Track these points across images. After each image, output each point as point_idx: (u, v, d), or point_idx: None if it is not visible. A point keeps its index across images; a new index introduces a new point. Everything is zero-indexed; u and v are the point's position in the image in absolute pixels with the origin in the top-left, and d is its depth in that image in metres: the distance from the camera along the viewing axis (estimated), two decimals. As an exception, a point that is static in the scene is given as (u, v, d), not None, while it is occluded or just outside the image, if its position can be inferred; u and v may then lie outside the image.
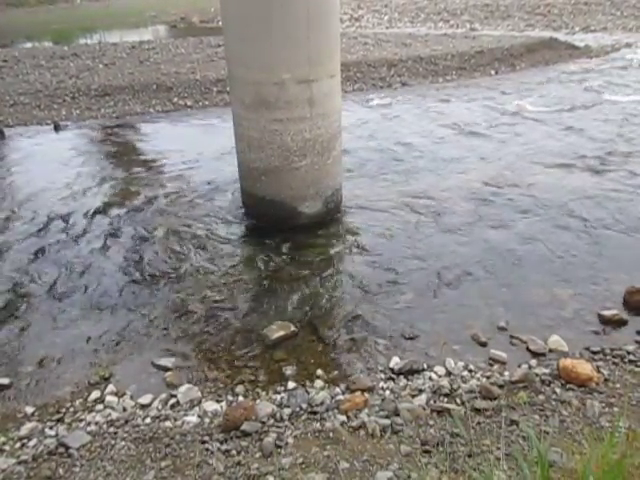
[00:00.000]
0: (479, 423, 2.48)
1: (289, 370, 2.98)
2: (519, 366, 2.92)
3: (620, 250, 4.10)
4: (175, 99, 8.55)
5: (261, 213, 4.55)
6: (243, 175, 4.62)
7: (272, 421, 2.58)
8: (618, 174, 5.43)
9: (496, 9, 17.21)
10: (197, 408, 2.70)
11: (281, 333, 3.21)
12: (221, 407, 2.70)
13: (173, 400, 2.76)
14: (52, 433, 2.54)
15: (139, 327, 3.36)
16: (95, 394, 2.81)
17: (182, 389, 2.82)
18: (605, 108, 7.78)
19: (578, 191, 5.07)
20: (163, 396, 2.79)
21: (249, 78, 4.12)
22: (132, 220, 4.76)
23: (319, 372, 2.94)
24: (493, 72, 10.17)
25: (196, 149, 6.46)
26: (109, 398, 2.78)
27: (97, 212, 4.93)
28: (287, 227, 4.41)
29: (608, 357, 3.00)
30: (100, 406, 2.73)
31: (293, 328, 3.26)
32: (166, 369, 3.00)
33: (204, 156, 6.22)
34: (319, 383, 2.86)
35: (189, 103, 8.49)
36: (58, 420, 2.63)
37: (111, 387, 2.87)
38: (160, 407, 2.72)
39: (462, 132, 6.86)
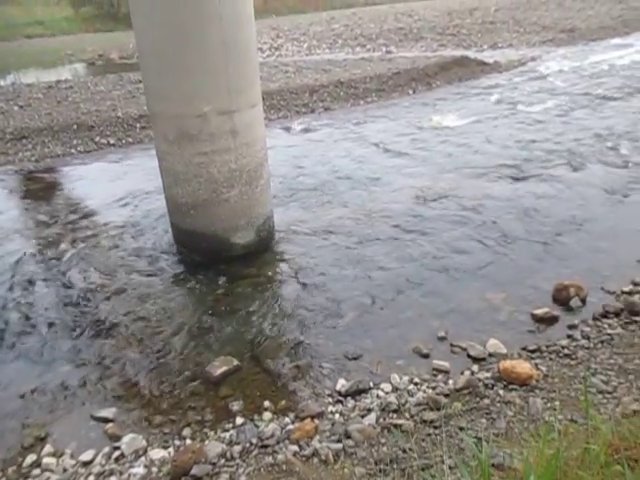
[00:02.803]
0: (429, 434, 2.50)
1: (236, 405, 2.90)
2: (462, 373, 2.97)
3: (544, 251, 4.30)
4: (97, 138, 8.32)
5: (194, 247, 4.47)
6: (172, 210, 4.53)
7: (223, 461, 2.50)
8: (535, 180, 5.73)
9: (409, 32, 17.96)
10: (143, 458, 2.57)
11: (224, 369, 3.13)
12: (169, 453, 2.58)
13: (117, 453, 2.62)
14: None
15: (74, 379, 3.19)
16: (31, 458, 2.62)
17: (125, 439, 2.68)
18: (517, 118, 8.22)
19: (500, 199, 5.30)
20: (106, 450, 2.64)
21: (170, 112, 4.08)
22: (57, 266, 4.54)
23: (267, 404, 2.88)
24: (411, 91, 10.55)
25: (122, 187, 6.30)
26: (47, 460, 2.60)
27: (20, 260, 4.67)
28: (221, 259, 4.35)
29: (545, 354, 3.11)
30: (37, 470, 2.55)
31: (236, 362, 3.19)
32: (107, 420, 2.85)
33: (130, 194, 6.07)
34: (267, 415, 2.80)
35: (112, 141, 8.28)
36: (-11, 494, 2.44)
37: (48, 447, 2.68)
38: (104, 462, 2.57)
39: (386, 151, 7.05)
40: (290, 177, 6.30)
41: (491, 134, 7.47)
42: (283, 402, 2.90)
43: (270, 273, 4.26)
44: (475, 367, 3.04)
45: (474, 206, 5.16)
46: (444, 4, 27.88)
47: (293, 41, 17.41)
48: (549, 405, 2.61)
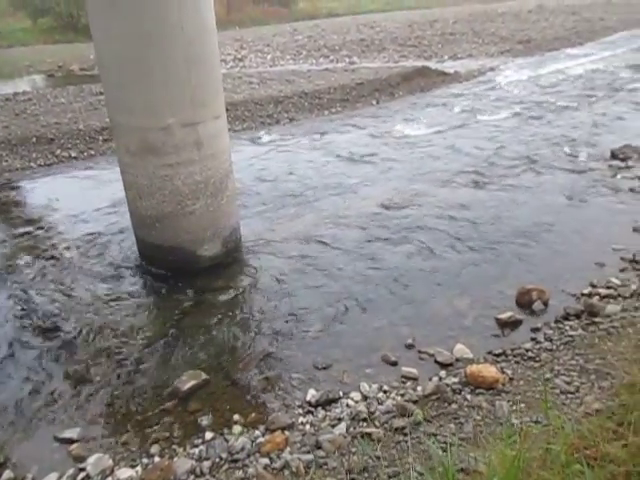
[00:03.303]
0: (399, 442, 2.52)
1: (205, 420, 2.87)
2: (430, 379, 3.01)
3: (507, 256, 4.40)
4: (58, 151, 8.13)
5: (159, 261, 4.41)
6: (136, 224, 4.47)
7: (192, 477, 2.47)
8: (497, 187, 5.87)
9: (371, 43, 18.18)
10: (110, 478, 2.51)
11: (192, 383, 3.09)
12: (136, 472, 2.53)
13: (82, 474, 2.55)
14: None
15: (35, 399, 3.10)
16: (-11, 485, 2.54)
17: (91, 460, 2.61)
18: (479, 127, 8.41)
19: (464, 206, 5.40)
20: (70, 472, 2.56)
21: (133, 125, 4.03)
22: (17, 282, 4.41)
23: (236, 417, 2.86)
24: (374, 102, 10.67)
25: (84, 201, 6.17)
26: (6, 486, 2.52)
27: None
28: (188, 272, 4.30)
29: (510, 357, 3.18)
30: (-4, 498, 2.47)
31: (205, 376, 3.15)
32: (71, 441, 2.77)
33: (94, 208, 5.95)
34: (237, 428, 2.77)
35: (74, 154, 8.11)
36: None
37: (8, 473, 2.58)
38: (68, 484, 2.51)
39: (351, 160, 7.11)
40: (257, 188, 6.29)
41: (454, 142, 7.61)
42: (253, 415, 2.87)
43: (238, 285, 4.24)
44: (443, 373, 3.08)
45: (439, 214, 5.24)
46: (405, 16, 28.39)
47: (257, 52, 17.41)
48: (515, 408, 2.66)
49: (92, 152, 8.21)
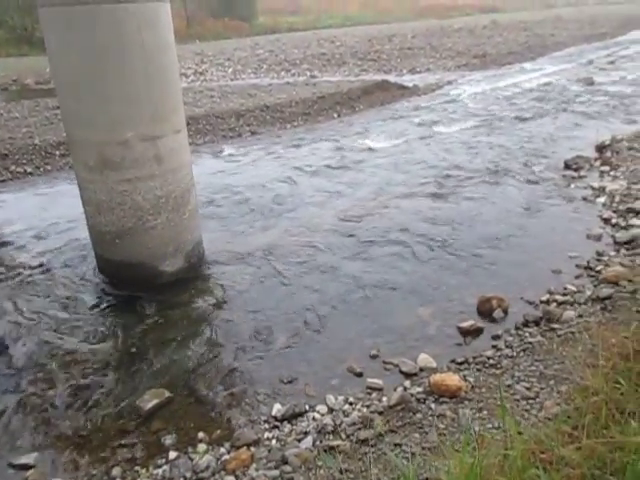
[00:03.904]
0: (365, 453, 2.52)
1: (168, 439, 2.81)
2: (395, 389, 3.03)
3: (468, 265, 4.48)
4: (12, 167, 7.90)
5: (120, 278, 4.32)
6: (96, 240, 4.38)
7: (155, 499, 2.41)
8: (456, 197, 5.99)
9: (332, 57, 18.40)
10: (68, 503, 2.44)
11: (155, 401, 3.03)
12: (96, 496, 2.46)
13: (39, 501, 2.47)
14: None
15: (-11, 425, 2.98)
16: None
17: (48, 486, 2.54)
18: (438, 139, 8.59)
19: (425, 217, 5.49)
20: (27, 499, 2.48)
21: (90, 139, 3.96)
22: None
23: (201, 435, 2.81)
24: (336, 115, 10.79)
25: (41, 218, 6.01)
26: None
27: None
28: (150, 288, 4.23)
29: (472, 365, 3.23)
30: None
31: (168, 394, 3.09)
32: (27, 467, 2.67)
33: (51, 224, 5.80)
34: (202, 447, 2.73)
35: (29, 170, 7.90)
36: None
37: (-40, 502, 2.49)
38: (24, 513, 2.42)
39: (314, 173, 7.15)
40: (220, 201, 6.25)
41: (414, 155, 7.75)
42: (218, 432, 2.84)
43: (201, 300, 4.19)
44: (407, 383, 3.10)
45: (401, 225, 5.31)
46: (364, 31, 28.87)
47: (218, 66, 17.38)
48: (478, 415, 2.70)
49: (49, 167, 8.02)
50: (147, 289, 4.23)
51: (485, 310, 3.78)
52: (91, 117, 3.87)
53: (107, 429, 2.91)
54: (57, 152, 8.38)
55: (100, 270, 4.53)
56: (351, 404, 2.95)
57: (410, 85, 13.26)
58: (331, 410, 2.92)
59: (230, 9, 31.29)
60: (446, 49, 19.73)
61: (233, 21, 30.76)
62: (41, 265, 4.86)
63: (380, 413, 2.82)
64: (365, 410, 2.87)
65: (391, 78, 14.03)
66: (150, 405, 3.00)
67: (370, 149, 8.21)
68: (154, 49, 3.85)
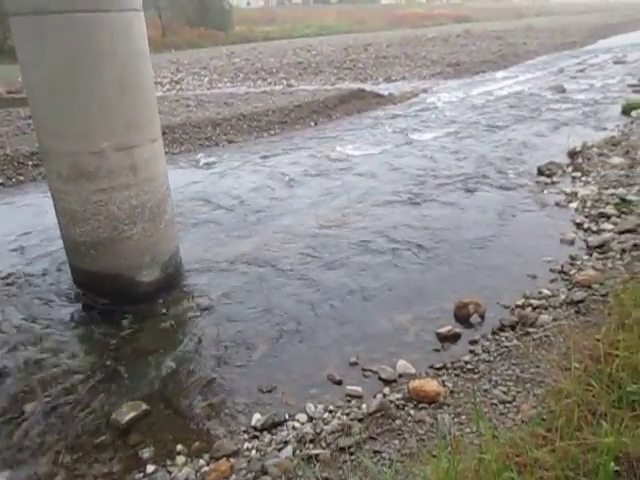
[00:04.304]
0: (345, 462, 2.52)
1: (146, 453, 2.77)
2: (374, 397, 3.03)
3: (444, 271, 4.53)
4: (-17, 178, 7.77)
5: (96, 289, 4.26)
6: (70, 251, 4.31)
7: (133, 513, 2.37)
8: (432, 204, 6.06)
9: (308, 66, 18.48)
10: (43, 521, 2.38)
11: (132, 414, 2.98)
12: (72, 513, 2.41)
13: (12, 519, 2.41)
14: None
15: (-40, 442, 2.90)
16: None
17: (22, 503, 2.48)
18: (414, 147, 8.68)
19: (402, 223, 5.54)
20: (-1, 517, 2.42)
21: (64, 149, 3.91)
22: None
23: (179, 447, 2.78)
24: (313, 123, 10.83)
25: (13, 229, 5.90)
26: None
27: None
28: (126, 300, 4.17)
29: (450, 370, 3.26)
30: None
31: (145, 406, 3.05)
32: (-1, 485, 2.62)
33: (24, 235, 5.70)
34: (181, 459, 2.70)
35: (1, 180, 7.75)
36: None
37: None
38: (-4, 532, 2.35)
39: (291, 181, 7.16)
40: (196, 211, 6.22)
41: (391, 162, 7.81)
42: (197, 443, 2.81)
43: (179, 310, 4.15)
44: (386, 389, 3.11)
45: (379, 232, 5.35)
46: (340, 40, 29.08)
47: (194, 75, 17.31)
48: (456, 420, 2.72)
49: (21, 178, 7.89)
50: (124, 300, 4.18)
51: (462, 315, 3.82)
52: (64, 127, 3.82)
53: (83, 444, 2.86)
54: (30, 162, 8.25)
55: (75, 282, 4.46)
56: (331, 412, 2.95)
57: (386, 93, 13.38)
58: (311, 418, 2.91)
59: (206, 18, 31.26)
60: (421, 58, 19.98)
61: (209, 30, 30.72)
62: (14, 277, 4.77)
63: (360, 420, 2.82)
64: (345, 418, 2.87)
65: (367, 87, 14.15)
66: (127, 418, 2.96)
67: (347, 157, 8.25)
68: (128, 58, 3.82)
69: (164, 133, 7.78)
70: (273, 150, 8.90)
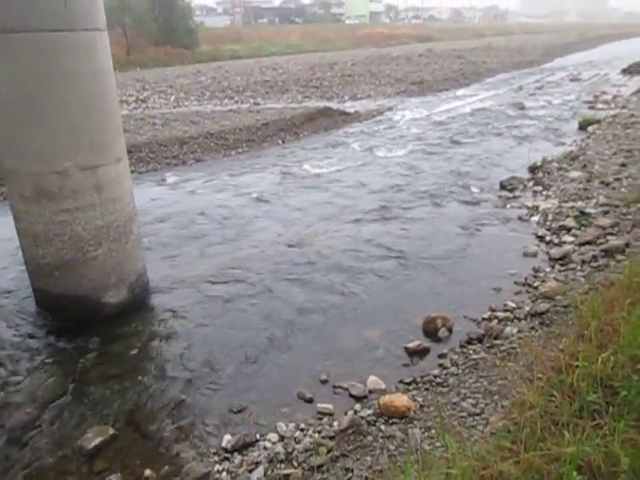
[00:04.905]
0: (317, 480, 2.51)
1: (113, 479, 2.70)
2: (345, 413, 3.03)
3: (412, 287, 4.58)
4: (-60, 200, 7.53)
5: (60, 311, 4.16)
6: (33, 273, 4.21)
7: (100, 543, 2.30)
8: (399, 220, 6.14)
9: (275, 84, 18.61)
10: None
11: (99, 440, 2.91)
12: None
13: None
14: None
15: None
16: None
17: (-18, 537, 2.38)
18: (380, 164, 8.80)
19: (370, 240, 5.59)
20: None
21: (26, 169, 3.84)
22: None
23: (148, 472, 2.72)
24: (280, 141, 10.88)
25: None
26: None
27: None
28: (92, 321, 4.09)
29: (419, 385, 3.28)
30: None
31: (112, 431, 2.98)
32: (-42, 518, 2.52)
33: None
34: (149, 484, 2.64)
35: (-42, 202, 7.55)
36: None
37: None
38: None
39: (259, 200, 7.16)
40: (164, 230, 6.15)
41: (358, 179, 7.89)
42: (166, 468, 2.75)
43: (147, 331, 4.08)
44: (357, 406, 3.12)
45: (347, 248, 5.38)
46: (306, 59, 29.42)
47: (160, 93, 17.22)
48: (426, 434, 2.74)
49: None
50: (89, 322, 4.09)
51: (430, 330, 3.86)
52: (27, 147, 3.76)
53: (47, 471, 2.77)
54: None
55: (39, 304, 4.35)
56: (302, 430, 2.93)
57: (352, 111, 13.56)
58: (282, 438, 2.89)
59: (171, 37, 31.21)
60: (385, 76, 20.34)
61: (175, 49, 30.68)
62: (-27, 302, 4.62)
63: (331, 438, 2.82)
64: (316, 436, 2.86)
65: (333, 105, 14.31)
66: (93, 444, 2.88)
67: (315, 175, 8.31)
68: (91, 77, 3.80)
69: (130, 152, 7.69)
70: (241, 168, 8.90)
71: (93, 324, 4.09)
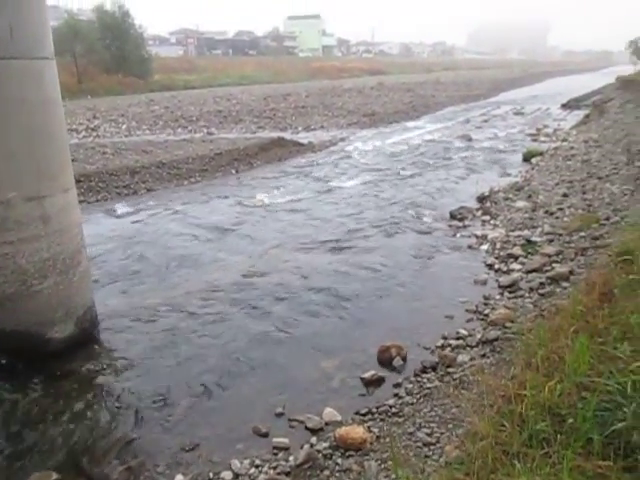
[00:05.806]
0: (273, 519, 2.44)
1: (56, 527, 2.55)
2: (301, 447, 2.98)
3: (366, 316, 4.60)
4: None
5: (1, 347, 3.96)
6: (-28, 309, 4.00)
7: None
8: (351, 250, 6.19)
9: (228, 114, 18.69)
10: None
11: (41, 486, 2.76)
12: None
13: None
14: None
15: None
16: None
17: None
18: (333, 194, 8.90)
19: (323, 270, 5.60)
20: None
21: (-33, 200, 3.68)
22: None
23: (94, 518, 2.59)
24: (234, 171, 10.87)
25: None
26: None
27: None
28: (36, 358, 3.90)
29: (375, 415, 3.27)
30: None
31: (55, 476, 2.83)
32: None
33: None
34: (95, 531, 2.51)
35: None
36: None
37: None
38: None
39: (212, 230, 7.09)
40: (114, 262, 5.99)
41: (311, 209, 7.95)
42: (113, 513, 2.62)
43: (95, 367, 3.92)
44: (314, 439, 3.07)
45: (300, 280, 5.37)
46: (260, 90, 29.72)
47: (111, 122, 16.98)
48: (383, 466, 2.72)
49: None
50: (34, 358, 3.90)
51: (385, 359, 3.87)
52: (-32, 177, 3.62)
53: (-17, 523, 2.60)
54: None
55: (-23, 341, 4.13)
56: (257, 467, 2.87)
57: (305, 142, 13.72)
58: (237, 475, 2.81)
59: (124, 66, 31.00)
60: (338, 108, 20.76)
61: (127, 77, 30.45)
62: None
63: (287, 474, 2.76)
64: (272, 472, 2.79)
65: (287, 135, 14.47)
66: (35, 490, 2.73)
67: (268, 205, 8.31)
68: (38, 106, 3.72)
69: (79, 181, 7.53)
70: (193, 198, 8.81)
71: (37, 361, 3.90)
